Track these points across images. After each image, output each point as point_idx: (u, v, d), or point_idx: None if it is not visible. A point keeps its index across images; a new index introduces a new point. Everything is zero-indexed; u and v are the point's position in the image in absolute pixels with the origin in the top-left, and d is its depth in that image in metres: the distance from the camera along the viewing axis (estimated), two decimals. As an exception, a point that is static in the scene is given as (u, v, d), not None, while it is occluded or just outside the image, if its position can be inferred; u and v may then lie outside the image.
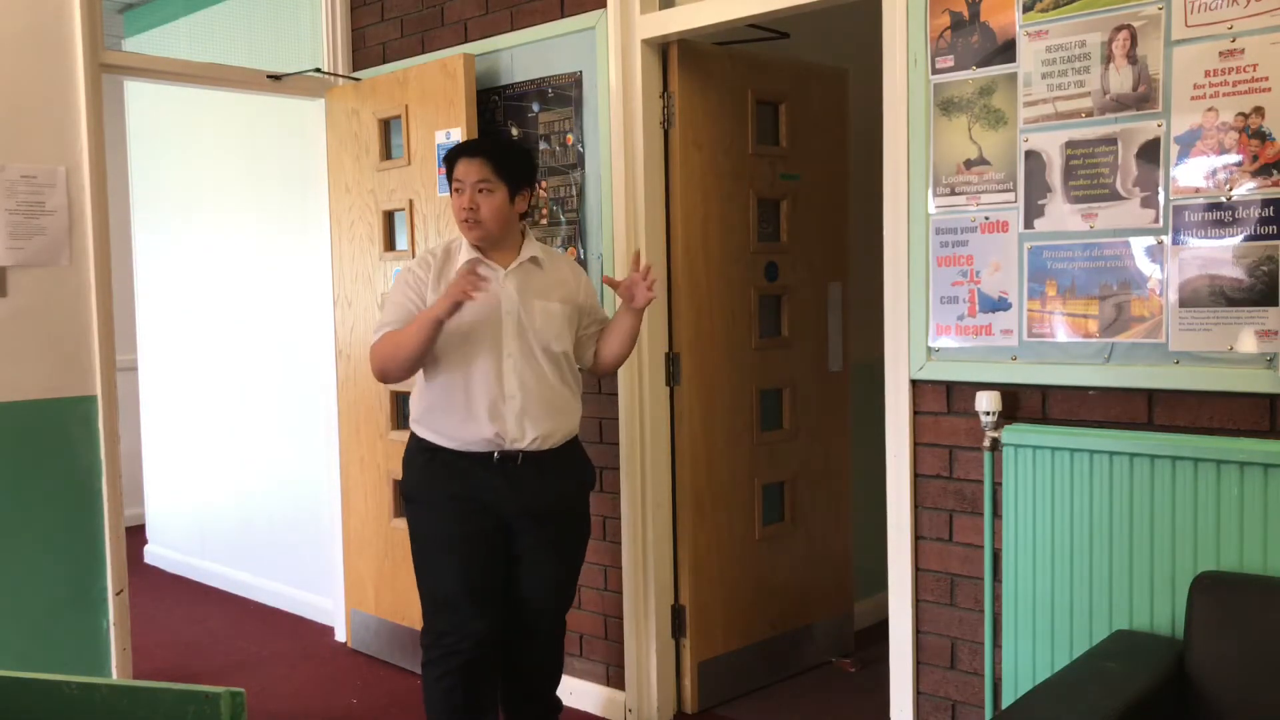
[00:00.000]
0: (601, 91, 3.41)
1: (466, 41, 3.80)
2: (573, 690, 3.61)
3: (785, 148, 3.78)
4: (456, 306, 2.64)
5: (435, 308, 2.67)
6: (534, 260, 2.87)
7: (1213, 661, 2.15)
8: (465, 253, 2.85)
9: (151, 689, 1.37)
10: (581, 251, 3.50)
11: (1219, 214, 2.30)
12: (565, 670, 3.55)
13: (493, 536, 2.84)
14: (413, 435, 2.90)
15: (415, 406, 2.89)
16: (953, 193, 2.68)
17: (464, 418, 2.78)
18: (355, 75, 4.20)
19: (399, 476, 3.95)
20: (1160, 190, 2.37)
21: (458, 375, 2.79)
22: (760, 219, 3.72)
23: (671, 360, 3.48)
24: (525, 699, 3.09)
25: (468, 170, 2.80)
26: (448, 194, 3.64)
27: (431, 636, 2.88)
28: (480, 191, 2.78)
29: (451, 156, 2.85)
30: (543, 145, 3.61)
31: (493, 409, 2.77)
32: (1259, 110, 2.24)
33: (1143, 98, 2.39)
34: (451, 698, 2.86)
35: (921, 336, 2.75)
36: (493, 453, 2.78)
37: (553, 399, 2.84)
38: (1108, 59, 2.43)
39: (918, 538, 2.82)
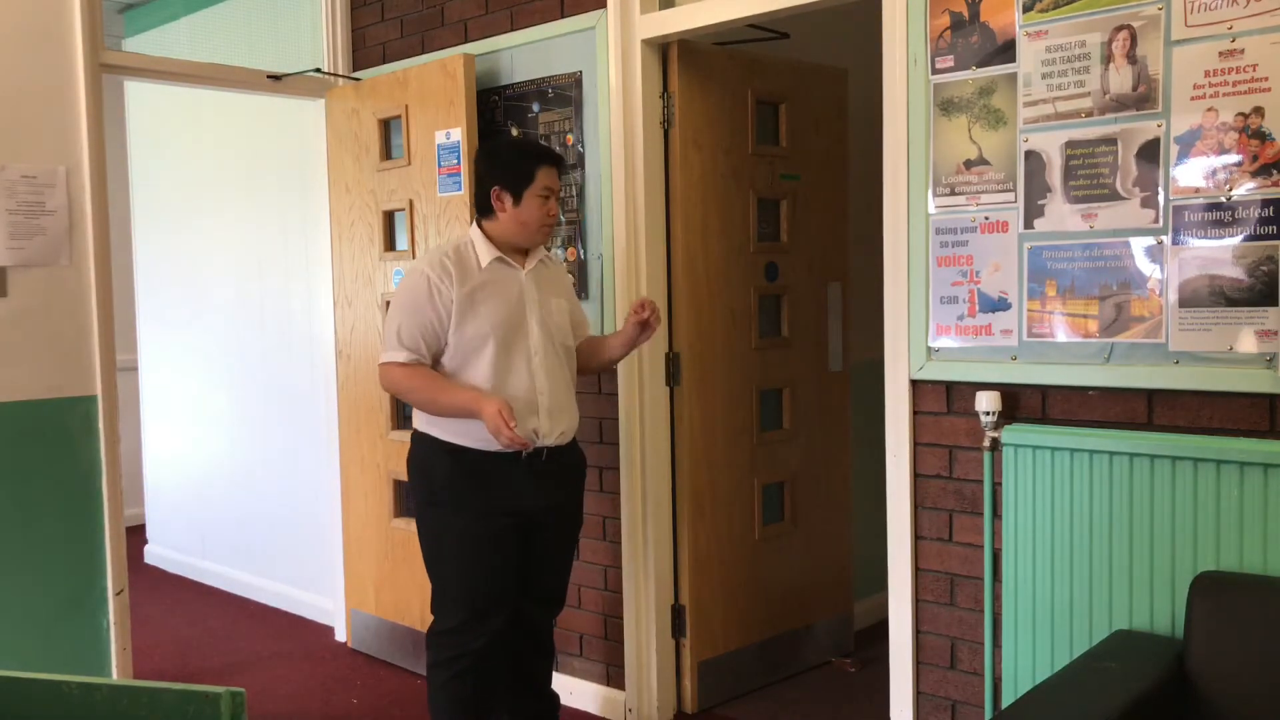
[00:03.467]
0: (601, 91, 3.41)
1: (466, 41, 3.80)
2: (573, 690, 3.61)
3: (785, 148, 3.78)
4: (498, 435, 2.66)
5: (479, 411, 2.66)
6: (542, 260, 2.95)
7: (1213, 661, 2.15)
8: (484, 253, 2.83)
9: (151, 689, 1.37)
10: (582, 252, 3.50)
11: (1219, 214, 2.30)
12: (565, 670, 3.56)
13: (513, 536, 2.85)
14: (426, 437, 2.85)
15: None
16: (953, 193, 2.68)
17: None
18: (355, 75, 4.21)
19: (400, 477, 3.97)
20: (1160, 190, 2.37)
21: (491, 375, 2.78)
22: (760, 219, 3.72)
23: (671, 360, 3.48)
24: (528, 693, 3.11)
25: (554, 178, 2.87)
26: (448, 194, 3.68)
27: (443, 638, 2.88)
28: (559, 200, 2.92)
29: (535, 162, 2.84)
30: (543, 145, 3.61)
31: (529, 406, 2.79)
32: (1259, 110, 2.24)
33: (1143, 98, 2.39)
34: (461, 699, 2.86)
35: (921, 336, 2.75)
36: (520, 451, 2.78)
37: (568, 394, 2.92)
38: (1107, 59, 2.43)
39: (918, 538, 2.82)
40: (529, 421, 2.79)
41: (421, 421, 2.88)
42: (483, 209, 2.88)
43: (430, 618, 2.95)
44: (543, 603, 3.03)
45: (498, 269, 2.84)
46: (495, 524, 2.81)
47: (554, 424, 2.84)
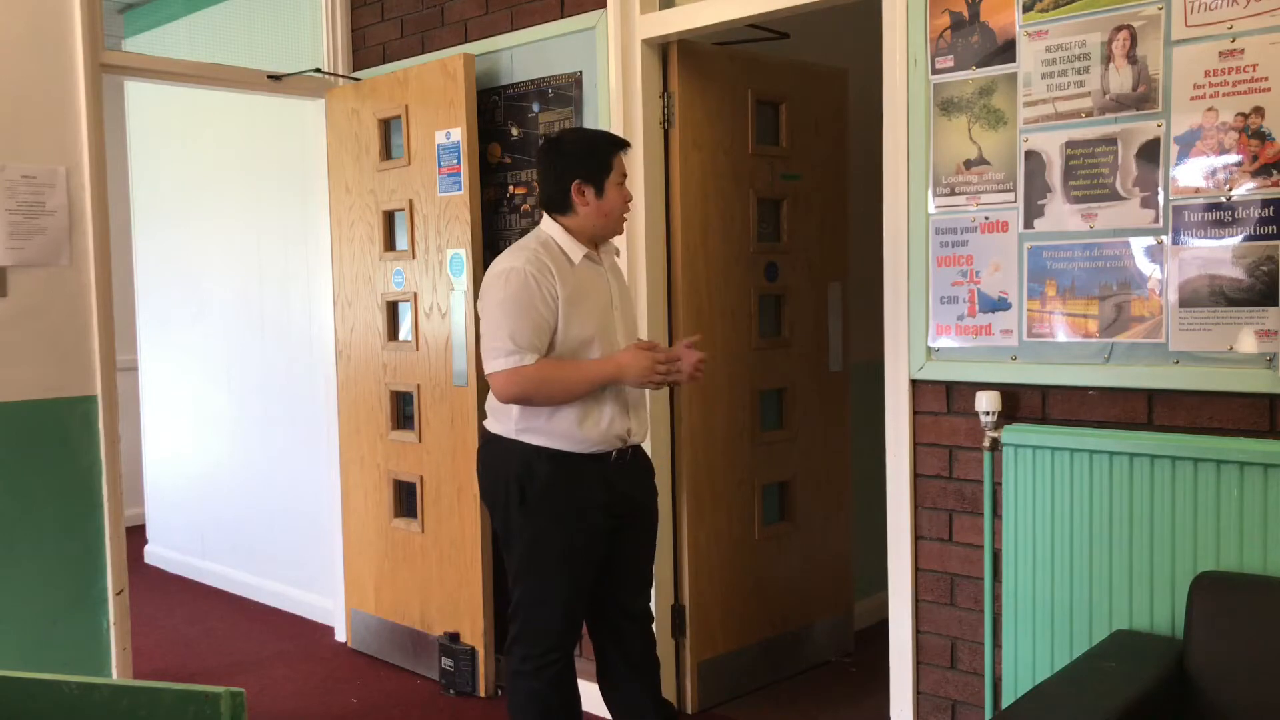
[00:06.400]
0: (601, 91, 3.41)
1: (467, 41, 3.80)
2: (573, 690, 3.60)
3: (785, 148, 3.78)
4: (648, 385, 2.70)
5: (623, 368, 2.64)
6: (608, 251, 2.85)
7: (1213, 661, 2.15)
8: (574, 251, 2.69)
9: (151, 689, 1.37)
10: (581, 251, 3.50)
11: (1219, 214, 2.30)
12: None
13: (599, 545, 2.74)
14: (521, 444, 2.68)
15: (526, 415, 2.66)
16: (953, 193, 2.68)
17: (597, 417, 2.66)
18: (355, 75, 4.21)
19: (400, 477, 3.98)
20: (1160, 190, 2.37)
21: None
22: (760, 219, 3.72)
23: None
24: (652, 698, 2.94)
25: (624, 163, 2.76)
26: (448, 194, 3.68)
27: (526, 648, 2.74)
28: None
29: (610, 149, 2.72)
30: (543, 145, 3.61)
31: (623, 405, 2.71)
32: (1259, 110, 2.24)
33: (1142, 98, 2.39)
34: (548, 709, 2.77)
35: (921, 336, 2.75)
36: (611, 451, 2.70)
37: (645, 391, 2.84)
38: (1107, 59, 2.43)
39: (918, 538, 2.82)
40: (622, 422, 2.71)
41: (512, 428, 2.69)
42: (558, 205, 2.71)
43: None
44: (628, 603, 2.87)
45: (588, 267, 2.72)
46: (586, 536, 2.70)
47: (639, 423, 2.78)
